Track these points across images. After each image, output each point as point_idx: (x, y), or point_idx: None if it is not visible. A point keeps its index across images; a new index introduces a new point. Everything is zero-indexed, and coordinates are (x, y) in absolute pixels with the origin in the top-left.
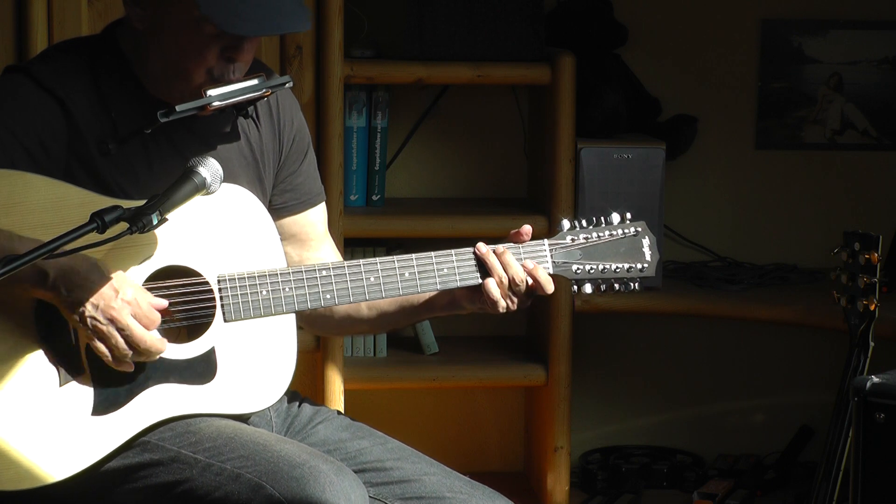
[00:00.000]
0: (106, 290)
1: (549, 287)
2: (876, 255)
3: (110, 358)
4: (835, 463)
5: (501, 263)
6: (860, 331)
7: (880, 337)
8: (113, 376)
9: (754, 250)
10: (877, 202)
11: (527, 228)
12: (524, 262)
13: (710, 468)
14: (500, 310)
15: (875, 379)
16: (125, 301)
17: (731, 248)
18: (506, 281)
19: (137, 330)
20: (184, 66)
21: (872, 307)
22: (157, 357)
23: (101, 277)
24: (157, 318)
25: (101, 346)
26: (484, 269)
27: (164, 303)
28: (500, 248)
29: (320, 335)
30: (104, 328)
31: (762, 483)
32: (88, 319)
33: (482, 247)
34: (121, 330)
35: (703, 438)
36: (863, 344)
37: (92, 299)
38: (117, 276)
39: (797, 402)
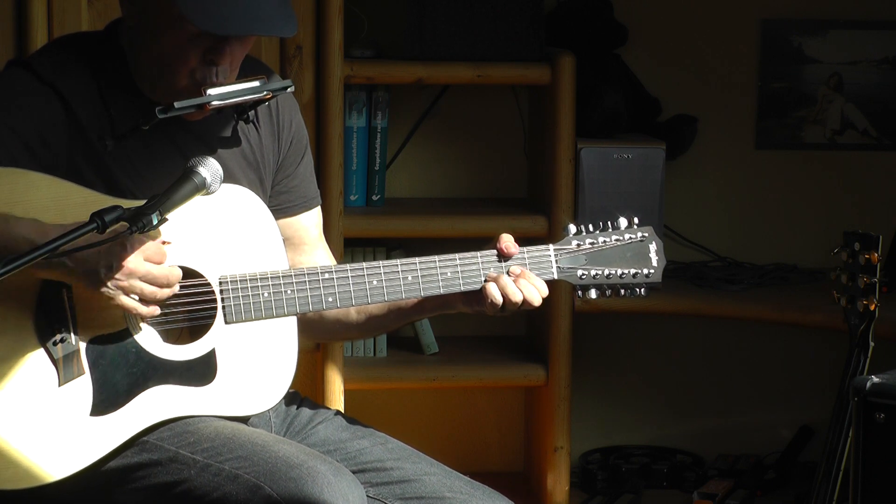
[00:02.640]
0: (112, 248)
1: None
2: (876, 255)
3: (140, 307)
4: (835, 463)
5: (499, 286)
6: (860, 331)
7: (880, 337)
8: (112, 377)
9: (754, 250)
10: (877, 202)
11: (507, 243)
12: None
13: (710, 468)
14: (496, 314)
15: (875, 379)
16: (133, 248)
17: (731, 248)
18: (518, 300)
19: (156, 269)
20: (167, 66)
21: (872, 307)
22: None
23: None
24: (164, 250)
25: (128, 301)
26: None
27: (160, 241)
28: (518, 269)
29: (311, 341)
30: (126, 283)
31: (762, 483)
32: (108, 281)
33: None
34: (142, 277)
35: (703, 438)
36: (863, 344)
37: (103, 262)
38: (113, 231)
39: (797, 402)
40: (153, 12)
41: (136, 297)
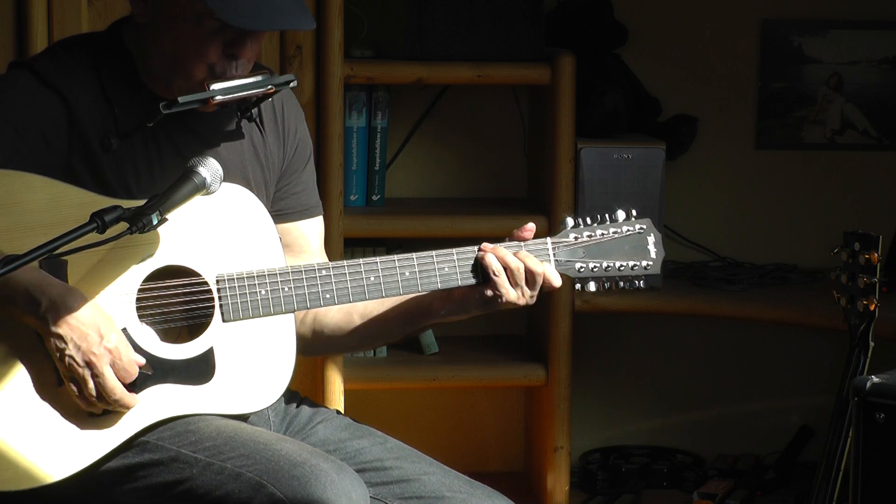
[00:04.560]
0: (91, 334)
1: (556, 280)
2: (876, 255)
3: (79, 398)
4: (835, 463)
5: (497, 257)
6: (860, 331)
7: (880, 337)
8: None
9: (754, 250)
10: (877, 202)
11: (530, 225)
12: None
13: (710, 468)
14: (512, 298)
15: (875, 379)
16: (107, 349)
17: (731, 248)
18: (502, 271)
19: (110, 380)
20: (184, 61)
21: (872, 307)
22: (127, 409)
23: (90, 318)
24: (135, 372)
25: (72, 386)
26: (485, 273)
27: (142, 360)
28: (491, 246)
29: (313, 357)
30: (80, 371)
31: (762, 483)
32: (67, 358)
33: (486, 247)
34: (95, 376)
35: (703, 438)
36: (863, 344)
37: (75, 339)
38: (106, 321)
39: (797, 402)
40: (169, 9)
41: (77, 387)
